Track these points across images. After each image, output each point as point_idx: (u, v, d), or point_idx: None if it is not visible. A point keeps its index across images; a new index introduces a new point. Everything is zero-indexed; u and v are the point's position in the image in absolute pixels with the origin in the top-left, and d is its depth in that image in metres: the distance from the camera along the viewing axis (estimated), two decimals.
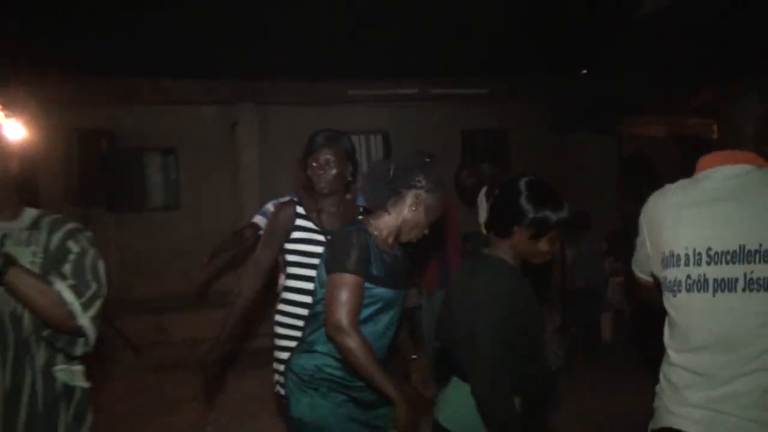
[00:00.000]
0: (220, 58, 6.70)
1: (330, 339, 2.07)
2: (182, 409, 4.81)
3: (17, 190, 1.90)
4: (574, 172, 8.24)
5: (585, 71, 7.78)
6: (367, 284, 2.07)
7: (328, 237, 2.49)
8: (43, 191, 6.74)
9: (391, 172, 2.17)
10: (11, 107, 4.26)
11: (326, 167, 2.59)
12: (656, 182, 1.87)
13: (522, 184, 2.02)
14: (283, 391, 2.44)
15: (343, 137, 2.65)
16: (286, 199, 2.98)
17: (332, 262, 2.08)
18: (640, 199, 1.87)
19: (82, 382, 1.91)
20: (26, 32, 5.44)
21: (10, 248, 1.76)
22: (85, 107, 7.02)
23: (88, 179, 6.15)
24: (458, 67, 7.38)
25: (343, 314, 1.99)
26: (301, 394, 2.17)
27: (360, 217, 2.31)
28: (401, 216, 2.17)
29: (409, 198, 2.15)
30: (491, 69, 7.56)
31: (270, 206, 3.70)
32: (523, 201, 1.99)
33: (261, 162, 7.77)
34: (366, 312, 2.09)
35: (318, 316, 2.17)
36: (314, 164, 2.60)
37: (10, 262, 1.66)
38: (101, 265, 1.88)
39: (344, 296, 2.00)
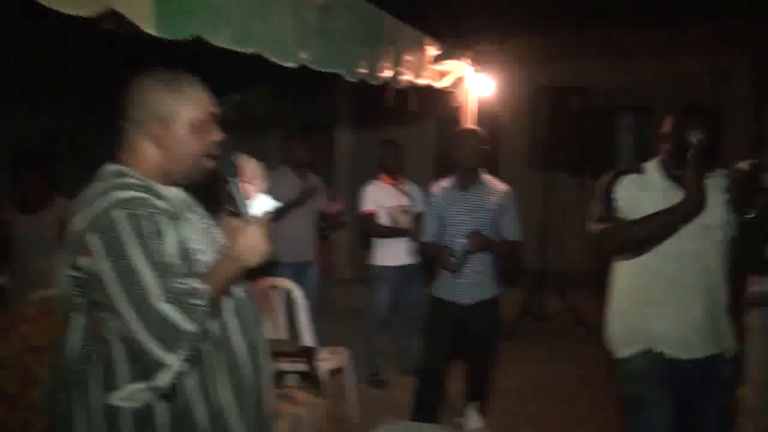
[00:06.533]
0: None
1: None
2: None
3: None
4: None
5: None
6: None
7: None
8: (504, 152, 6.71)
9: None
10: (481, 62, 4.06)
11: None
12: None
13: None
14: None
15: None
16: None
17: None
18: None
19: None
20: None
21: None
22: (556, 63, 6.68)
23: (555, 141, 5.79)
24: None
25: None
26: None
27: None
28: None
29: None
30: None
31: None
32: None
33: (756, 120, 6.31)
34: None
35: None
36: None
37: None
38: None
39: None
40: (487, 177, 3.46)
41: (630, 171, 2.29)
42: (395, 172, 4.59)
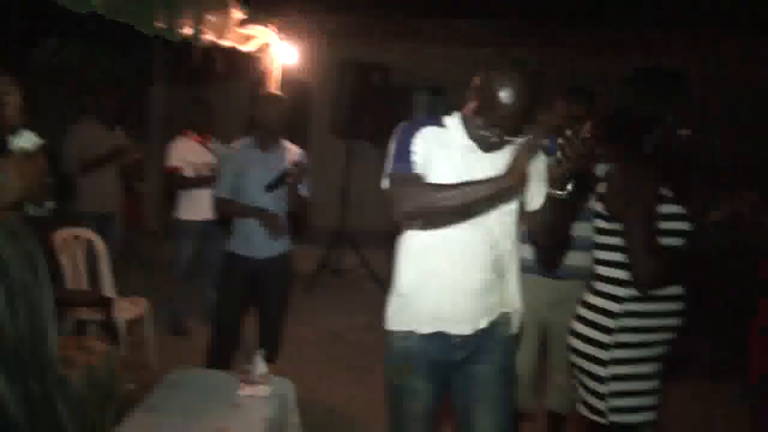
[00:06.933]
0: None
1: None
2: None
3: None
4: None
5: None
6: None
7: None
8: (312, 120, 6.99)
9: None
10: (287, 32, 4.29)
11: None
12: None
13: None
14: None
15: None
16: None
17: None
18: None
19: None
20: None
21: None
22: (361, 41, 7.11)
23: (357, 112, 6.21)
24: None
25: None
26: None
27: None
28: None
29: None
30: None
31: None
32: None
33: None
34: None
35: None
36: None
37: None
38: None
39: None
40: (284, 141, 3.59)
41: (430, 123, 2.00)
42: (203, 130, 4.66)
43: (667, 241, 2.06)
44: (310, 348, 4.63)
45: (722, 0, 5.91)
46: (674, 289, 2.10)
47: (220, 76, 4.74)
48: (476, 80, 1.92)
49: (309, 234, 6.83)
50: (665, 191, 2.10)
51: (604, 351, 2.10)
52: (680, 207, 2.10)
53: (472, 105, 1.93)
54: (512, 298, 2.11)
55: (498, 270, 2.03)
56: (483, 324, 2.05)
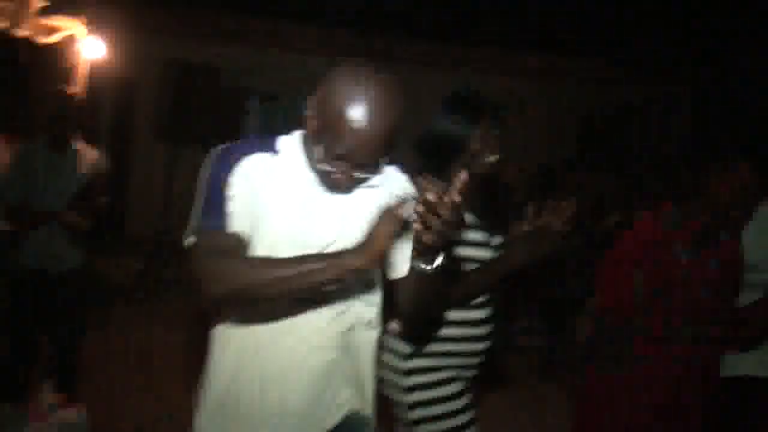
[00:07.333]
0: (337, 7, 6.34)
1: None
2: None
3: None
4: None
5: None
6: None
7: None
8: (135, 122, 6.59)
9: None
10: (100, 26, 4.02)
11: None
12: None
13: None
14: None
15: None
16: None
17: None
18: None
19: None
20: None
21: None
22: (189, 39, 6.84)
23: (182, 116, 5.90)
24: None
25: None
26: None
27: None
28: None
29: None
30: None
31: None
32: None
33: None
34: None
35: None
36: None
37: None
38: None
39: None
40: (80, 143, 3.33)
41: (258, 149, 1.43)
42: (11, 130, 4.24)
43: (463, 267, 1.96)
44: (120, 368, 4.27)
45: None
46: (474, 314, 2.03)
47: (28, 70, 4.31)
48: (318, 92, 1.35)
49: (128, 243, 6.43)
50: (468, 217, 1.97)
51: (404, 377, 1.99)
52: (482, 234, 2.03)
53: (312, 126, 1.37)
54: (370, 390, 1.60)
55: (348, 347, 1.51)
56: (330, 424, 1.51)
